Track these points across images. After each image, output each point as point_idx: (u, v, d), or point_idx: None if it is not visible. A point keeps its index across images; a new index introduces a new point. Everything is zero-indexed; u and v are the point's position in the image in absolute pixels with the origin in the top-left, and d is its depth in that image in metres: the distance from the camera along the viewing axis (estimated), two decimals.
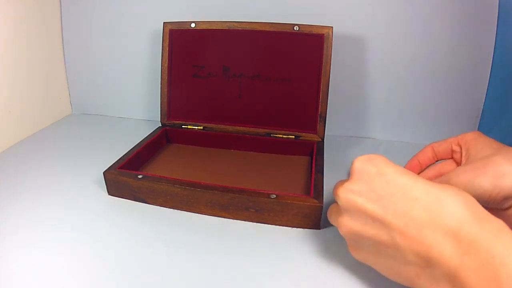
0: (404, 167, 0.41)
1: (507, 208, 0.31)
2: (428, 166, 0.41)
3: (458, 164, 0.37)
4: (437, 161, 0.40)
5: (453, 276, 0.22)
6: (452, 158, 0.38)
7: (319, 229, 0.39)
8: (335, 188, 0.31)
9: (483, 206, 0.30)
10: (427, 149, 0.39)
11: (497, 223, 0.23)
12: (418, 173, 0.41)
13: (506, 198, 0.30)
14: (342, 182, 0.31)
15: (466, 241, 0.22)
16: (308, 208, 0.38)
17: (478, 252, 0.21)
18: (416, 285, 0.25)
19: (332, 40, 0.51)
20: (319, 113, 0.52)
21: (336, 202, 0.32)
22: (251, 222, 0.40)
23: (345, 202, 0.28)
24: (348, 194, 0.28)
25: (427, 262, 0.24)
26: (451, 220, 0.23)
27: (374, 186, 0.27)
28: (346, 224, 0.29)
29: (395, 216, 0.25)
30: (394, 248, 0.25)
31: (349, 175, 0.31)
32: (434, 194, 0.25)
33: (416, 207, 0.25)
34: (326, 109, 0.52)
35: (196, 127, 0.57)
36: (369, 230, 0.27)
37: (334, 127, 0.60)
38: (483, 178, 0.30)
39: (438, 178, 0.35)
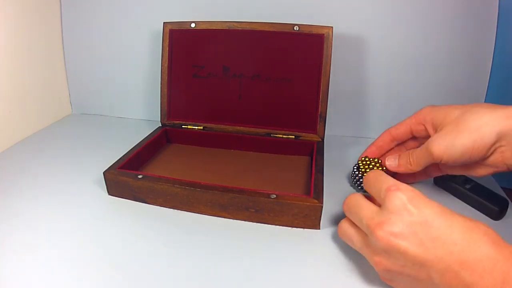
0: (363, 152, 0.45)
1: (488, 157, 0.34)
2: (388, 151, 0.44)
3: (421, 141, 0.40)
4: (396, 144, 0.43)
5: None
6: (412, 138, 0.41)
7: (319, 229, 0.39)
8: (371, 222, 0.29)
9: (468, 162, 0.35)
10: (384, 134, 0.42)
11: None
12: (379, 158, 0.44)
13: (487, 147, 0.33)
14: (372, 212, 0.29)
15: (499, 280, 0.24)
16: (308, 208, 0.38)
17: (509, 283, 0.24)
18: None
19: (332, 40, 0.51)
20: (319, 113, 0.52)
21: (350, 222, 0.32)
22: (251, 222, 0.40)
23: (385, 244, 0.28)
24: (390, 237, 0.27)
25: None
26: (486, 261, 0.25)
27: (416, 230, 0.27)
28: (384, 264, 0.29)
29: (436, 261, 0.26)
30: (432, 285, 0.27)
31: (376, 192, 0.31)
32: (469, 236, 0.26)
33: (455, 252, 0.26)
34: (326, 109, 0.52)
35: (196, 127, 0.57)
36: (409, 271, 0.27)
37: (334, 127, 0.60)
38: (461, 136, 0.33)
39: (418, 148, 0.38)
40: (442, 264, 0.26)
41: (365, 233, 0.30)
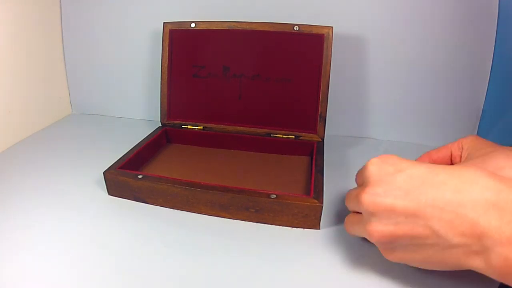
0: None
1: None
2: None
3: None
4: None
5: (505, 245, 0.22)
6: (451, 163, 0.38)
7: (319, 229, 0.39)
8: (354, 196, 0.30)
9: None
10: (423, 156, 0.39)
11: None
12: None
13: None
14: (359, 189, 0.30)
15: (508, 209, 0.23)
16: (308, 208, 0.38)
17: None
18: (466, 266, 0.25)
19: (332, 40, 0.51)
20: (319, 113, 0.52)
21: (353, 212, 0.32)
22: (251, 222, 0.40)
23: (372, 206, 0.27)
24: (373, 197, 0.27)
25: (476, 238, 0.24)
26: (486, 193, 0.24)
27: (397, 184, 0.27)
28: (377, 229, 0.28)
29: (428, 205, 0.25)
30: (434, 237, 0.25)
31: (361, 177, 0.31)
32: (458, 174, 0.25)
33: (446, 190, 0.25)
34: (326, 109, 0.52)
35: (196, 127, 0.57)
36: (404, 228, 0.26)
37: (334, 127, 0.60)
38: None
39: None
40: (435, 208, 0.25)
41: (357, 213, 0.30)
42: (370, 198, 0.28)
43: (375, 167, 0.29)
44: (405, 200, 0.26)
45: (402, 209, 0.26)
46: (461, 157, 0.36)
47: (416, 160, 0.39)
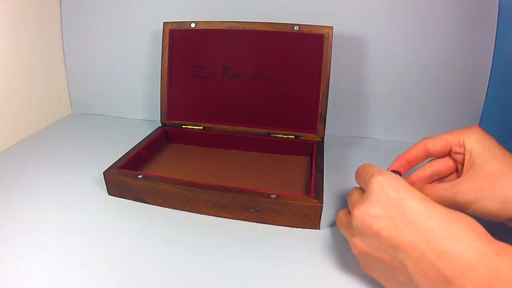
0: (392, 165, 0.40)
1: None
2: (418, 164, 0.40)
3: (457, 163, 0.36)
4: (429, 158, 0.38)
5: None
6: (449, 155, 0.37)
7: (319, 229, 0.39)
8: (351, 202, 0.31)
9: (497, 220, 0.32)
10: (418, 147, 0.37)
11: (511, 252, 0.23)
12: (406, 171, 0.39)
13: (510, 219, 0.31)
14: (358, 196, 0.30)
15: (487, 276, 0.22)
16: (308, 208, 0.38)
17: (499, 280, 0.22)
18: None
19: (332, 40, 0.51)
20: (319, 113, 0.52)
21: (347, 210, 0.32)
22: (251, 222, 0.40)
23: (360, 224, 0.28)
24: (365, 217, 0.27)
25: None
26: (468, 254, 0.23)
27: (392, 213, 0.26)
28: (359, 245, 0.28)
29: (410, 246, 0.25)
30: (406, 277, 0.26)
31: (361, 183, 0.31)
32: (449, 226, 0.25)
33: (432, 239, 0.24)
34: (326, 109, 0.52)
35: (196, 127, 0.57)
36: (382, 255, 0.27)
37: (334, 127, 0.60)
38: (490, 201, 0.31)
39: (444, 187, 0.34)
40: (416, 252, 0.25)
41: (350, 219, 0.30)
42: (362, 216, 0.28)
43: (379, 187, 0.28)
44: (391, 232, 0.26)
45: (386, 239, 0.26)
46: (463, 160, 0.34)
47: (410, 150, 0.38)
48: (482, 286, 0.22)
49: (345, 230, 0.32)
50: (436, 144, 0.36)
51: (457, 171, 0.37)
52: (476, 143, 0.34)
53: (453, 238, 0.24)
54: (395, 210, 0.26)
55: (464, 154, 0.34)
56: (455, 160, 0.36)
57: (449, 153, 0.36)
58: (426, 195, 0.34)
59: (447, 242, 0.24)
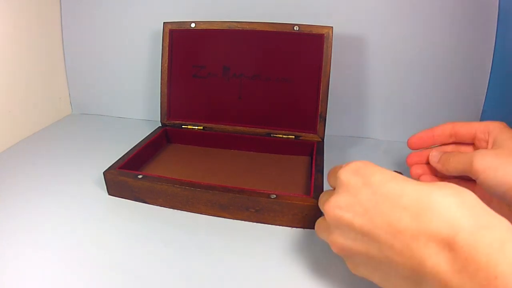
0: (416, 134, 0.40)
1: None
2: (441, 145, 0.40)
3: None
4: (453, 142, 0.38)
5: None
6: (472, 144, 0.37)
7: None
8: (321, 202, 0.29)
9: (498, 200, 0.30)
10: (446, 126, 0.37)
11: (501, 229, 0.20)
12: (429, 147, 0.39)
13: None
14: (327, 194, 0.29)
15: (463, 255, 0.19)
16: (308, 208, 0.38)
17: (478, 270, 0.18)
18: None
19: (332, 40, 0.51)
20: (319, 113, 0.52)
21: (323, 217, 0.31)
22: (251, 222, 0.40)
23: (332, 218, 0.26)
24: (335, 210, 0.26)
25: (421, 278, 0.21)
26: (444, 228, 0.20)
27: (360, 199, 0.25)
28: (337, 241, 0.27)
29: (383, 229, 0.23)
30: (386, 263, 0.24)
31: (332, 181, 0.30)
32: (425, 198, 0.22)
33: (404, 217, 0.22)
34: (326, 109, 0.52)
35: (196, 127, 0.57)
36: (360, 246, 0.25)
37: (334, 127, 0.60)
38: (508, 166, 0.29)
39: (463, 153, 0.34)
40: (389, 234, 0.23)
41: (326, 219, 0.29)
42: (332, 210, 0.26)
43: (345, 176, 0.27)
44: (363, 218, 0.24)
45: (359, 227, 0.25)
46: (487, 142, 0.35)
47: (437, 127, 0.38)
48: (456, 268, 0.19)
49: (323, 233, 0.29)
50: (464, 126, 0.36)
51: None
52: (501, 129, 0.34)
53: (428, 212, 0.21)
54: (363, 196, 0.25)
55: (487, 142, 0.35)
56: (476, 148, 0.37)
57: (472, 140, 0.37)
58: (446, 161, 0.35)
59: (422, 218, 0.21)
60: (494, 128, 0.34)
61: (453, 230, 0.20)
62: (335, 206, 0.26)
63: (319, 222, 0.31)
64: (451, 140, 0.39)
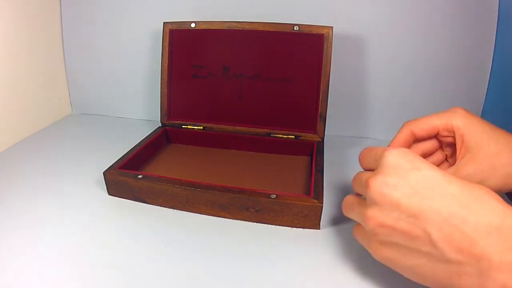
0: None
1: None
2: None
3: (443, 143, 0.36)
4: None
5: (504, 272, 0.22)
6: (435, 139, 0.37)
7: (319, 229, 0.39)
8: (363, 179, 0.29)
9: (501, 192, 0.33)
10: (404, 133, 0.37)
11: None
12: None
13: None
14: (370, 173, 0.29)
15: (511, 237, 0.22)
16: (308, 208, 0.38)
17: None
18: (455, 285, 0.24)
19: (332, 40, 0.51)
20: (319, 113, 0.52)
21: (354, 195, 0.31)
22: (251, 222, 0.40)
23: (378, 194, 0.27)
24: (382, 187, 0.27)
25: (473, 259, 0.23)
26: (491, 215, 0.23)
27: (410, 181, 0.26)
28: (377, 217, 0.27)
29: (432, 212, 0.24)
30: (430, 245, 0.25)
31: (371, 161, 0.30)
32: (469, 191, 0.25)
33: (454, 203, 0.24)
34: (326, 109, 0.52)
35: (196, 127, 0.57)
36: (403, 225, 0.26)
37: (334, 127, 0.60)
38: (494, 180, 0.32)
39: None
40: (439, 217, 0.24)
41: (358, 197, 0.30)
42: (379, 186, 0.27)
43: (393, 159, 0.28)
44: (412, 199, 0.25)
45: (406, 207, 0.25)
46: (452, 142, 0.34)
47: (398, 136, 0.37)
48: (507, 246, 0.22)
49: (356, 208, 0.30)
50: (423, 129, 0.36)
51: (442, 149, 0.37)
52: (466, 127, 0.33)
53: (475, 201, 0.24)
54: (413, 178, 0.26)
55: (453, 137, 0.34)
56: (441, 141, 0.37)
57: (435, 137, 0.37)
58: None
59: (470, 205, 0.24)
60: (457, 123, 0.34)
61: (500, 216, 0.23)
62: (382, 183, 0.27)
63: (349, 199, 0.32)
64: (412, 144, 0.38)
